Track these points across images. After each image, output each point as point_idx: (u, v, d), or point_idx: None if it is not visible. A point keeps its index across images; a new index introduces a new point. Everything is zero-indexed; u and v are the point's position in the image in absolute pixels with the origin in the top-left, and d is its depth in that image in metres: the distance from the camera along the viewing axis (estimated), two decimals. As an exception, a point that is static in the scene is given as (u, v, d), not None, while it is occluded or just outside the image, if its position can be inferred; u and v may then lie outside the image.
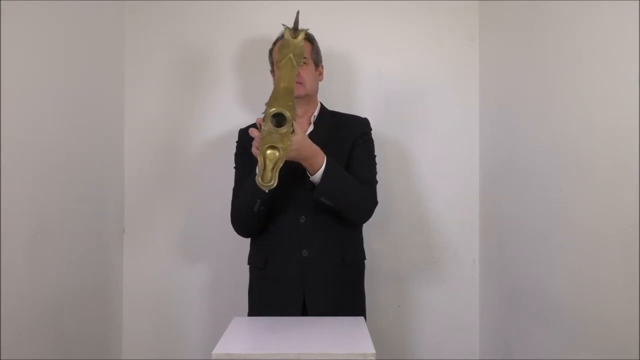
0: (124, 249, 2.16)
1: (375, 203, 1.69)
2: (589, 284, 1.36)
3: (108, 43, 2.07)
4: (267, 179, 1.36)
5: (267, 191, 1.46)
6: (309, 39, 1.77)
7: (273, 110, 1.38)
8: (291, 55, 1.47)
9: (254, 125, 1.75)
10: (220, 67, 2.16)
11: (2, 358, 1.40)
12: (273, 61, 1.77)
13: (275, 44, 1.78)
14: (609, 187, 1.27)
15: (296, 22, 1.49)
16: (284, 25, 1.49)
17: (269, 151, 1.37)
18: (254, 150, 1.43)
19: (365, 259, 1.79)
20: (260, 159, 1.37)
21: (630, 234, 1.18)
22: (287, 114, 1.37)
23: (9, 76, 1.43)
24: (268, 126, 1.37)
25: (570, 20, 1.47)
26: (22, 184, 1.51)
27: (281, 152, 1.37)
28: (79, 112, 1.82)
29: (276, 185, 1.48)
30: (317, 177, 1.51)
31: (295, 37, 1.49)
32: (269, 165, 1.37)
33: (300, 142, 1.44)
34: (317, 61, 1.77)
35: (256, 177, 1.36)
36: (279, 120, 1.38)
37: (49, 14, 1.64)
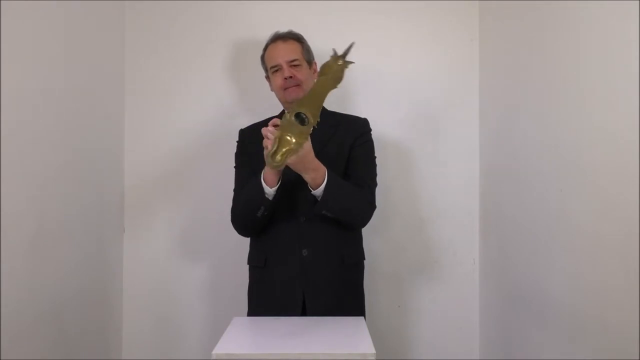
0: (124, 249, 2.16)
1: (374, 207, 1.68)
2: (589, 284, 1.36)
3: (108, 43, 2.07)
4: (277, 161, 1.38)
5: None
6: (298, 38, 1.76)
7: (299, 108, 1.40)
8: (327, 77, 1.46)
9: (256, 125, 1.76)
10: (220, 67, 2.16)
11: (2, 358, 1.40)
12: (266, 67, 1.77)
13: (265, 49, 1.77)
14: (609, 187, 1.27)
15: (345, 53, 1.46)
16: (333, 50, 1.46)
17: (286, 136, 1.39)
18: (264, 131, 1.43)
19: (364, 258, 1.79)
20: (275, 142, 1.38)
21: (630, 234, 1.18)
22: (311, 119, 1.40)
23: (9, 76, 1.43)
24: (291, 118, 1.39)
25: (570, 20, 1.47)
26: (22, 184, 1.51)
27: (293, 144, 1.39)
28: (79, 112, 1.82)
29: (279, 189, 1.52)
30: (319, 191, 1.52)
31: (337, 64, 1.46)
32: (282, 149, 1.39)
33: (307, 152, 1.45)
34: (309, 60, 1.77)
35: (266, 154, 1.37)
36: (299, 121, 1.40)
37: (49, 14, 1.64)
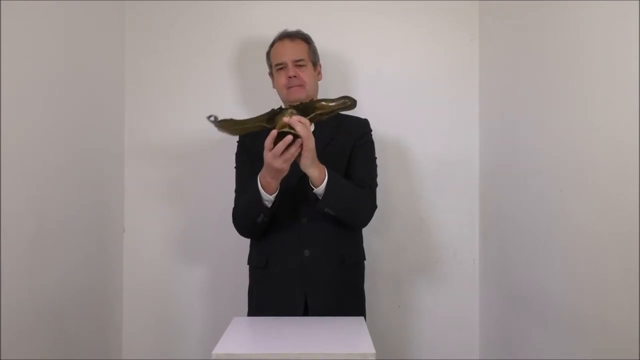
0: (124, 249, 2.16)
1: (375, 207, 1.68)
2: (589, 284, 1.36)
3: (108, 43, 2.07)
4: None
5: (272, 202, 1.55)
6: (305, 38, 1.76)
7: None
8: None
9: None
10: (220, 67, 2.16)
11: (2, 358, 1.40)
12: (271, 63, 1.77)
13: (272, 46, 1.77)
14: (609, 187, 1.27)
15: (216, 123, 1.54)
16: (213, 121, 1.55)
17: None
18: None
19: (365, 259, 1.79)
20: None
21: (630, 234, 1.18)
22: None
23: (9, 76, 1.43)
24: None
25: (570, 20, 1.47)
26: (22, 184, 1.51)
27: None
28: (79, 112, 1.82)
29: (279, 197, 1.55)
30: (320, 189, 1.51)
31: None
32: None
33: (314, 145, 1.46)
34: (315, 61, 1.77)
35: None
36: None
37: (49, 14, 1.64)
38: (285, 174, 1.49)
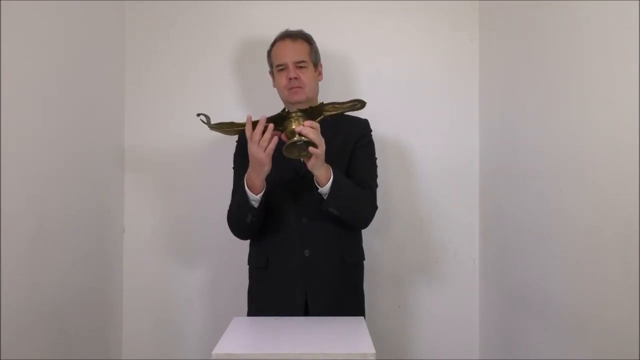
0: (124, 249, 2.16)
1: (375, 208, 1.69)
2: (589, 284, 1.36)
3: (108, 43, 2.07)
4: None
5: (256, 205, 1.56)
6: (307, 39, 1.76)
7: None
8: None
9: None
10: (220, 67, 2.16)
11: (2, 358, 1.40)
12: (272, 63, 1.77)
13: (273, 45, 1.77)
14: (609, 187, 1.27)
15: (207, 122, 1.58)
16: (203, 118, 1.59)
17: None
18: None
19: (364, 259, 1.79)
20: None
21: (630, 234, 1.18)
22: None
23: (9, 76, 1.43)
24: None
25: (570, 20, 1.47)
26: (22, 184, 1.51)
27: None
28: (79, 112, 1.82)
29: (265, 198, 1.57)
30: (326, 188, 1.52)
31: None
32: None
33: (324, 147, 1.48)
34: (316, 62, 1.76)
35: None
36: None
37: (49, 14, 1.64)
38: (266, 167, 1.49)
